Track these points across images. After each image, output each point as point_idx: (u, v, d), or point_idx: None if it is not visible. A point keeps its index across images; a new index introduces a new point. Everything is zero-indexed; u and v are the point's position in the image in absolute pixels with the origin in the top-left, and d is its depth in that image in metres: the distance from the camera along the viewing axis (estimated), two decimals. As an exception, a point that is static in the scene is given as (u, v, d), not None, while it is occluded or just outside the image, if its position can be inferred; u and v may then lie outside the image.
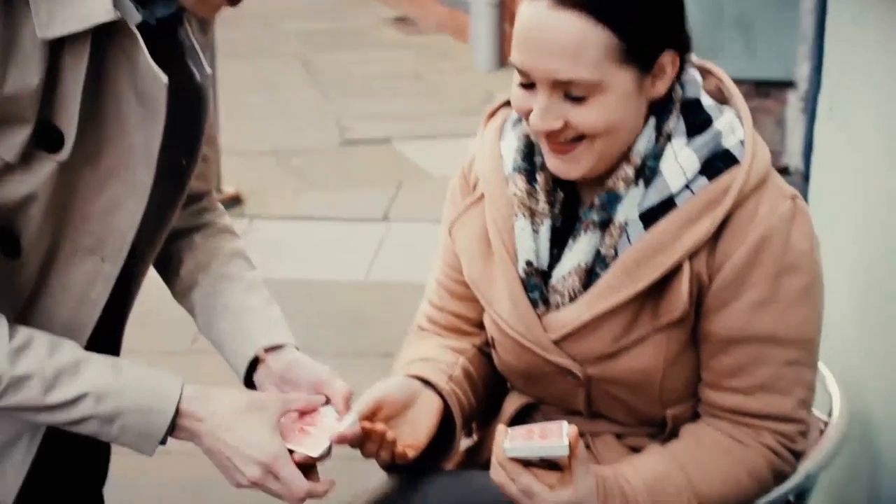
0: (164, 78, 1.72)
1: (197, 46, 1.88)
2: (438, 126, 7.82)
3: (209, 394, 1.78)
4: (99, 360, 1.74)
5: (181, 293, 2.07)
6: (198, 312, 2.05)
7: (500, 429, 1.86)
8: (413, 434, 2.01)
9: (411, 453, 1.98)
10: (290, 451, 1.81)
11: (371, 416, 1.96)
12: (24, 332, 1.70)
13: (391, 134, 7.71)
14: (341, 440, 1.87)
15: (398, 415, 2.01)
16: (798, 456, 2.00)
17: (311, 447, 1.81)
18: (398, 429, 1.98)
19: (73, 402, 1.71)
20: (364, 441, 1.94)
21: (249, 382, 2.00)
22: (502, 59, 9.48)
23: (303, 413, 1.86)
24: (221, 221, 2.13)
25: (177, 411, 1.75)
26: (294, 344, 1.99)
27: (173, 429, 1.76)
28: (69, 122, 1.65)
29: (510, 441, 1.83)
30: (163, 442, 1.76)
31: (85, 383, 1.71)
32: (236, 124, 7.38)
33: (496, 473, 1.84)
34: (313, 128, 7.96)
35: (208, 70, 1.90)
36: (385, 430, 1.94)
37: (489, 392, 2.19)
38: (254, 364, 1.98)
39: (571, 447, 1.80)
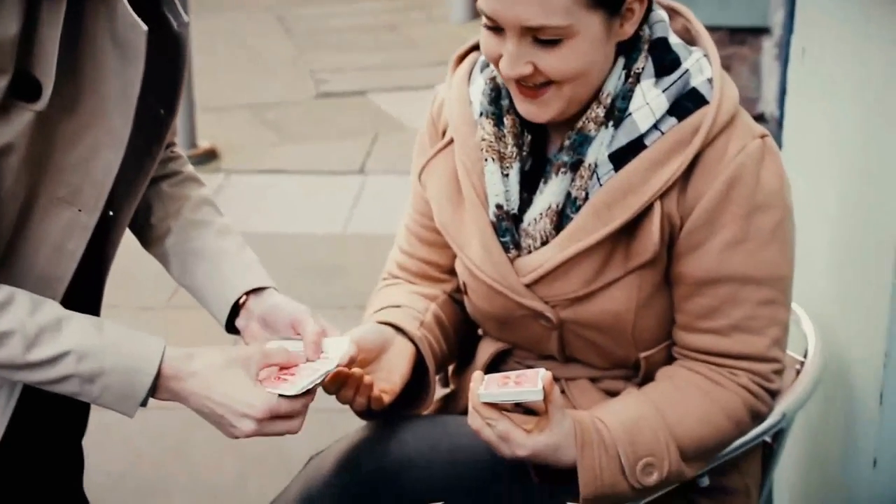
0: (144, 26, 1.71)
1: None
2: (413, 78, 7.80)
3: (191, 354, 1.77)
4: (81, 320, 1.73)
5: (152, 242, 2.07)
6: (171, 260, 2.04)
7: (476, 375, 1.87)
8: (387, 379, 2.01)
9: (387, 398, 1.99)
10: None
11: (343, 363, 1.96)
12: (5, 289, 1.70)
13: (366, 86, 7.69)
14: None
15: (372, 361, 2.02)
16: (774, 395, 2.01)
17: (287, 389, 1.81)
18: (372, 375, 1.98)
19: (54, 360, 1.69)
20: (341, 386, 1.94)
21: (231, 327, 1.99)
22: (476, 10, 9.41)
23: (283, 367, 1.85)
24: (186, 169, 2.13)
25: (159, 372, 1.74)
26: (274, 286, 2.00)
27: (155, 390, 1.75)
28: (47, 71, 1.64)
29: (484, 387, 1.84)
30: (143, 403, 1.75)
31: (67, 342, 1.70)
32: (211, 79, 7.36)
33: (472, 419, 1.85)
34: (288, 81, 7.93)
35: (186, 18, 1.88)
36: (362, 375, 1.94)
37: (461, 339, 2.20)
38: (235, 309, 1.98)
39: (545, 392, 1.80)
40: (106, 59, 1.72)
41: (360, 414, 2.03)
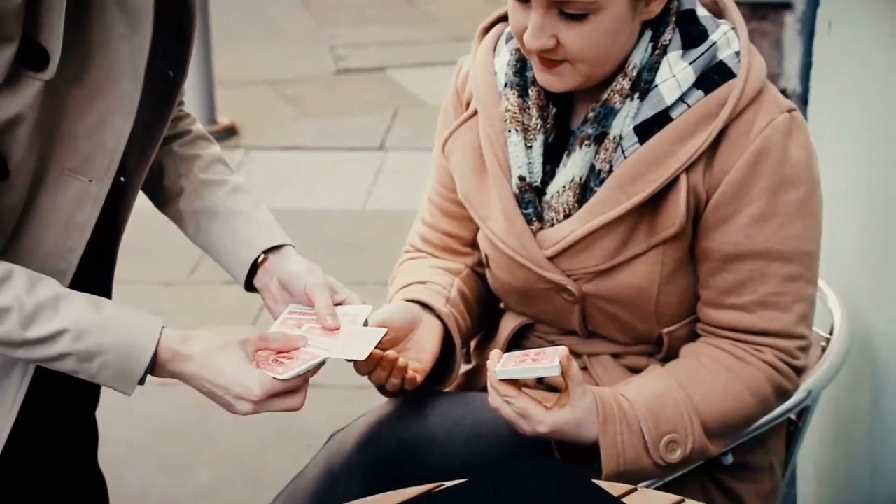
0: None
1: None
2: (433, 53, 7.78)
3: (188, 337, 1.76)
4: (79, 298, 1.72)
5: (165, 203, 2.06)
6: (185, 220, 2.04)
7: (493, 353, 1.86)
8: (417, 358, 2.00)
9: (420, 377, 1.98)
10: None
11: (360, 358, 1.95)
12: (3, 266, 1.68)
13: (386, 62, 7.67)
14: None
15: (401, 340, 2.01)
16: (800, 372, 2.00)
17: (280, 372, 1.80)
18: (403, 354, 1.97)
19: (51, 337, 1.68)
20: (374, 367, 1.93)
21: (249, 286, 1.99)
22: (497, -14, 9.37)
23: (280, 351, 1.84)
24: (196, 128, 2.12)
25: (157, 351, 1.73)
26: (291, 244, 1.99)
27: (152, 368, 1.74)
28: (54, 39, 1.63)
29: (501, 364, 1.83)
30: (141, 382, 1.74)
31: (64, 319, 1.69)
32: (230, 55, 7.35)
33: (492, 397, 1.84)
34: (308, 57, 7.91)
35: None
36: (397, 357, 1.94)
37: (483, 313, 2.19)
38: (254, 268, 1.97)
39: (563, 367, 1.79)
40: (113, 25, 1.70)
41: (384, 392, 2.02)
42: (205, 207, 2.02)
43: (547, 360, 1.80)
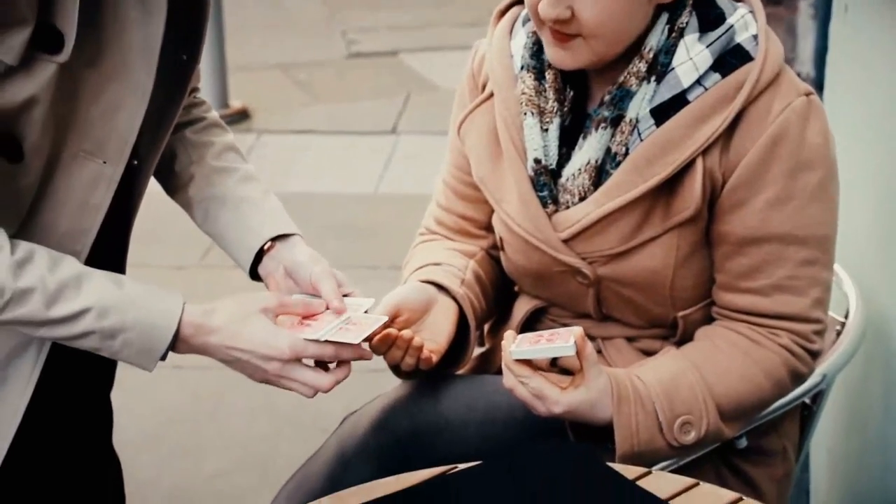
0: None
1: None
2: (446, 37, 7.78)
3: (211, 310, 1.78)
4: (101, 275, 1.73)
5: (176, 189, 2.06)
6: (195, 206, 2.04)
7: (508, 334, 1.86)
8: (433, 339, 2.00)
9: (435, 358, 1.98)
10: None
11: (389, 322, 1.95)
12: (24, 245, 1.69)
13: (398, 46, 7.67)
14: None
15: (416, 321, 2.01)
16: (815, 356, 1.99)
17: (309, 333, 1.80)
18: (418, 335, 1.97)
19: (75, 316, 1.69)
20: (389, 347, 1.93)
21: (254, 274, 1.99)
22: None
23: (304, 316, 1.85)
24: (210, 115, 2.12)
25: (179, 327, 1.74)
26: (298, 233, 1.99)
27: (174, 344, 1.75)
28: (69, 22, 1.63)
29: (516, 345, 1.82)
30: (163, 358, 1.75)
31: (87, 297, 1.70)
32: (242, 39, 7.35)
33: (506, 378, 1.85)
34: (319, 41, 7.92)
35: None
36: (412, 336, 1.93)
37: (497, 295, 2.19)
38: (259, 256, 1.98)
39: (578, 347, 1.79)
40: (128, 9, 1.70)
41: (399, 373, 2.02)
42: (214, 195, 2.02)
43: (562, 341, 1.80)
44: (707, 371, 1.92)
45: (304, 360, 1.79)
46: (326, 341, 1.77)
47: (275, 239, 1.98)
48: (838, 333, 2.23)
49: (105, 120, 1.73)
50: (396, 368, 2.00)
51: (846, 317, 2.25)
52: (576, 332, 1.81)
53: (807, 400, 2.18)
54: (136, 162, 1.86)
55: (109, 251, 1.89)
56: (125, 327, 1.70)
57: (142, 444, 3.55)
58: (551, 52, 1.92)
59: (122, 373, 2.11)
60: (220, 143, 2.08)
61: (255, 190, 2.04)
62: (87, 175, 1.75)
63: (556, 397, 1.83)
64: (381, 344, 1.92)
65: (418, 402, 2.01)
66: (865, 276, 2.43)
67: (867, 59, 2.64)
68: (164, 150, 1.96)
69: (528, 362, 1.84)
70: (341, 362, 1.81)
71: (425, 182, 4.22)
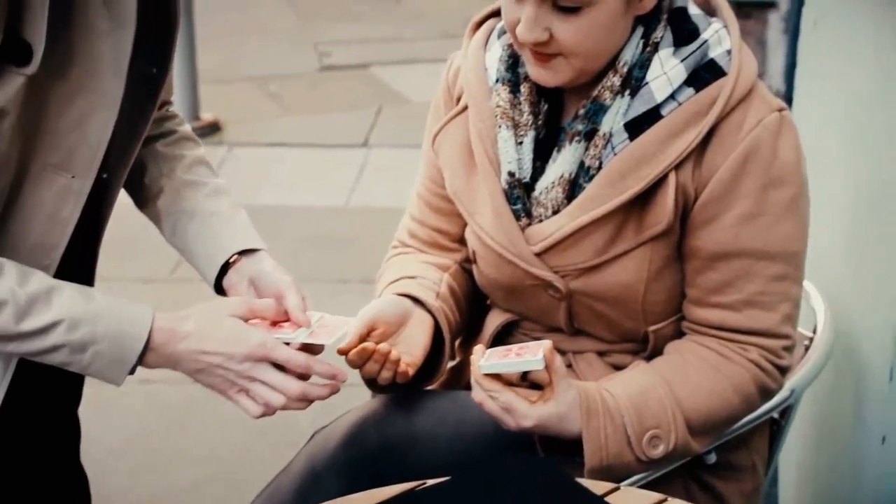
0: None
1: None
2: (418, 50, 7.77)
3: (182, 314, 1.77)
4: (70, 288, 1.72)
5: (145, 202, 2.06)
6: (163, 219, 2.03)
7: (477, 349, 1.86)
8: (408, 352, 2.00)
9: (412, 371, 1.97)
10: None
11: (365, 335, 1.95)
12: None
13: (370, 59, 7.66)
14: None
15: (392, 334, 2.00)
16: (784, 371, 1.99)
17: (282, 335, 1.80)
18: (394, 348, 1.97)
19: (46, 329, 1.68)
20: (366, 360, 1.93)
21: (219, 288, 1.99)
22: (482, -17, 9.38)
23: (273, 322, 1.85)
24: (182, 129, 2.12)
25: (150, 336, 1.73)
26: (265, 248, 1.99)
27: (144, 354, 1.74)
28: (37, 34, 1.62)
29: (485, 359, 1.83)
30: (131, 372, 1.74)
31: (58, 310, 1.69)
32: (213, 51, 7.33)
33: (475, 392, 1.85)
34: (291, 53, 7.90)
35: None
36: (389, 350, 1.93)
37: (471, 309, 2.19)
38: (224, 270, 1.98)
39: (547, 361, 1.79)
40: (96, 20, 1.70)
41: (374, 387, 2.02)
42: (183, 208, 2.02)
43: (530, 355, 1.80)
44: (676, 385, 1.93)
45: None
46: (301, 345, 1.79)
47: (241, 253, 1.98)
48: (807, 348, 2.24)
49: (74, 131, 1.72)
50: (372, 382, 1.99)
51: (815, 332, 2.26)
52: (545, 345, 1.81)
53: (775, 415, 2.18)
54: (105, 175, 1.85)
55: (78, 264, 1.88)
56: (95, 339, 1.69)
57: (110, 458, 3.53)
58: (533, 71, 1.93)
59: (90, 387, 2.10)
60: (190, 157, 2.08)
61: (224, 204, 2.03)
62: (56, 189, 1.74)
63: (525, 411, 1.83)
64: (358, 357, 1.92)
65: (389, 417, 2.01)
66: (834, 291, 2.44)
67: (836, 74, 2.65)
68: (134, 163, 1.95)
69: (497, 377, 1.84)
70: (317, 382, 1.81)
71: (397, 195, 4.23)
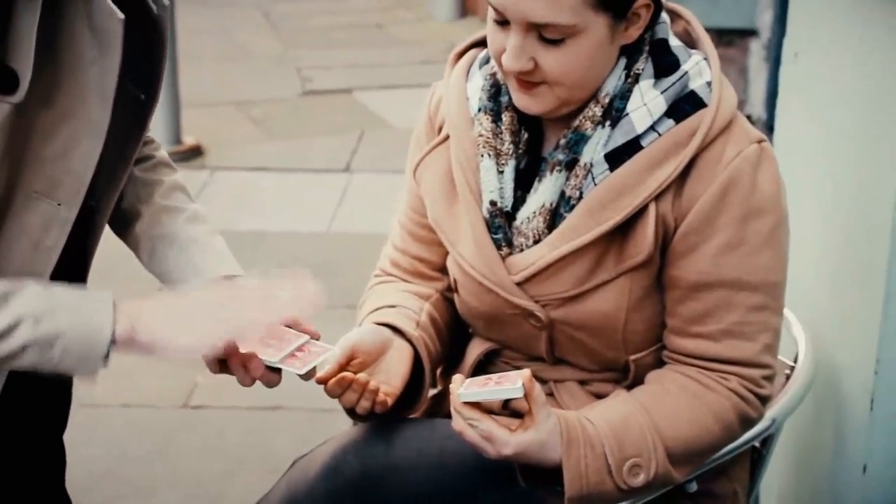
0: (121, 14, 1.68)
1: None
2: (400, 76, 7.80)
3: (141, 300, 1.74)
4: (29, 285, 1.69)
5: (123, 226, 2.05)
6: (141, 245, 2.03)
7: (456, 378, 1.86)
8: (388, 382, 2.00)
9: (390, 401, 1.97)
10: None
11: (345, 364, 1.95)
12: None
13: (352, 84, 7.68)
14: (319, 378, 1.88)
15: (371, 363, 2.00)
16: (764, 401, 2.00)
17: (270, 355, 1.80)
18: (373, 378, 1.97)
19: (10, 329, 1.64)
20: (345, 390, 1.93)
21: None
22: (463, 9, 9.46)
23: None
24: (159, 154, 2.12)
25: (115, 313, 1.69)
26: (244, 275, 1.99)
27: (113, 339, 1.69)
28: (24, 62, 1.62)
29: (465, 388, 1.83)
30: (104, 362, 1.69)
31: (19, 307, 1.65)
32: (197, 75, 7.34)
33: (455, 421, 1.84)
34: (274, 78, 7.92)
35: (165, 2, 1.86)
36: (368, 381, 1.93)
37: (452, 338, 2.19)
38: None
39: (526, 389, 1.79)
40: (83, 48, 1.70)
41: (353, 416, 2.02)
42: (162, 234, 2.01)
43: (510, 383, 1.80)
44: (656, 414, 1.93)
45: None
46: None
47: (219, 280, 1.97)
48: (788, 378, 2.24)
49: (60, 159, 1.71)
50: (351, 411, 1.99)
51: (796, 361, 2.27)
52: (524, 374, 1.81)
53: (757, 444, 2.18)
54: (92, 202, 1.84)
55: None
56: (60, 331, 1.66)
57: (92, 483, 3.51)
58: (518, 99, 1.94)
59: (73, 411, 2.10)
60: (168, 182, 2.07)
61: (203, 230, 2.03)
62: (41, 216, 1.73)
63: (505, 438, 1.83)
64: (337, 387, 1.92)
65: (369, 446, 2.00)
66: (815, 320, 2.44)
67: (816, 105, 2.66)
68: None
69: (477, 405, 1.84)
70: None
71: (378, 221, 4.23)
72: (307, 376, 1.84)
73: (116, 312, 1.69)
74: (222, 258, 2.00)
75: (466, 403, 1.83)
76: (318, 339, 1.90)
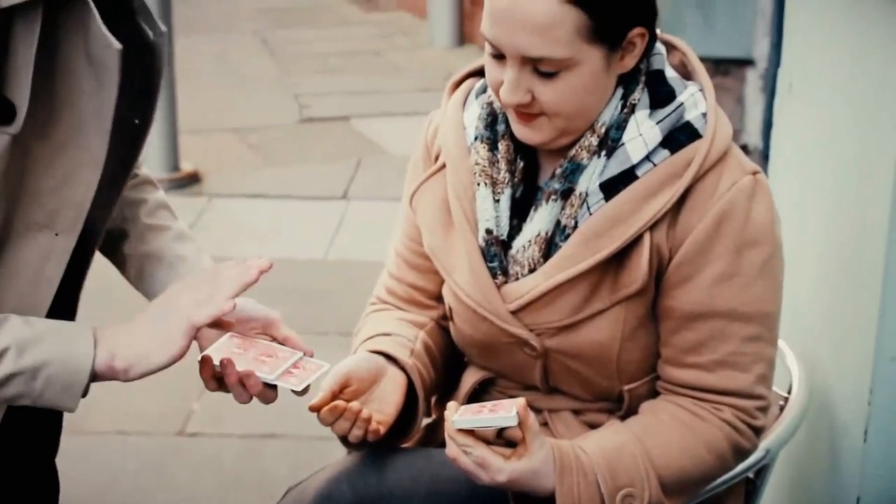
0: (118, 45, 1.68)
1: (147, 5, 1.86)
2: (397, 104, 7.81)
3: (114, 327, 1.74)
4: (10, 317, 1.69)
5: (108, 246, 2.05)
6: (128, 264, 2.03)
7: (450, 405, 1.86)
8: (381, 410, 2.00)
9: (383, 429, 1.97)
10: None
11: (338, 392, 1.95)
12: None
13: (350, 111, 7.69)
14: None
15: (365, 391, 2.00)
16: (758, 432, 2.00)
17: (266, 372, 1.81)
18: (366, 405, 1.97)
19: None
20: (337, 418, 1.93)
21: None
22: (461, 37, 9.49)
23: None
24: (142, 172, 2.12)
25: (95, 339, 1.69)
26: None
27: (94, 365, 1.68)
28: (21, 93, 1.61)
29: (459, 415, 1.83)
30: (84, 393, 1.69)
31: (3, 337, 1.65)
32: (194, 102, 7.35)
33: (449, 447, 1.84)
34: (272, 105, 7.93)
35: (162, 28, 1.86)
36: (360, 409, 1.93)
37: (447, 366, 2.19)
38: None
39: (520, 417, 1.80)
40: (80, 79, 1.69)
41: (346, 444, 2.02)
42: (149, 252, 2.01)
43: (504, 411, 1.81)
44: (649, 444, 1.93)
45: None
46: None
47: None
48: (782, 408, 2.24)
49: (58, 190, 1.71)
50: (344, 439, 1.99)
51: (790, 392, 2.27)
52: (518, 402, 1.81)
53: (751, 474, 2.19)
54: (87, 231, 1.84)
55: (58, 318, 1.88)
56: (45, 362, 1.65)
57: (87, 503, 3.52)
58: (518, 130, 1.95)
59: (69, 437, 2.10)
60: (152, 201, 2.08)
61: (190, 249, 2.03)
62: (40, 247, 1.73)
63: (499, 466, 1.83)
64: (329, 415, 1.92)
65: (363, 474, 2.00)
66: (809, 351, 2.45)
67: (810, 135, 2.68)
68: None
69: (471, 433, 1.84)
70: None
71: (375, 248, 4.24)
72: (303, 392, 1.84)
73: (96, 341, 1.70)
74: None
75: (461, 430, 1.83)
76: (311, 357, 1.89)
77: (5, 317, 1.68)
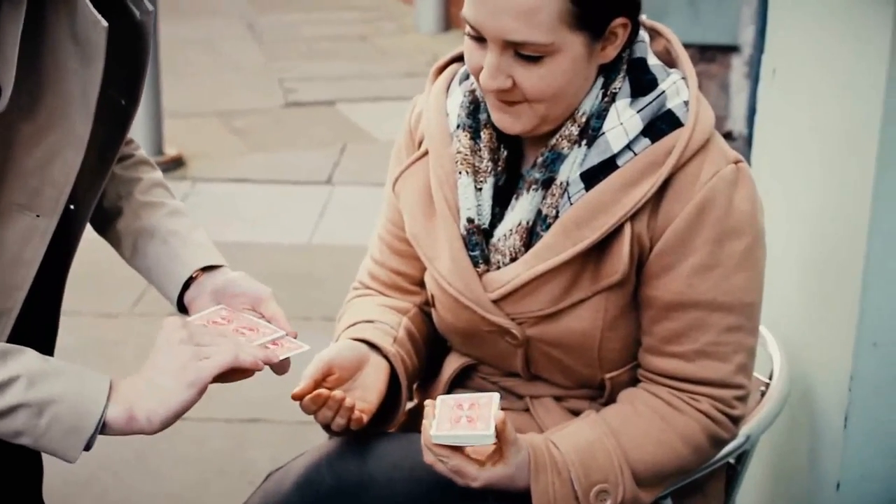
0: (104, 23, 1.67)
1: None
2: (383, 88, 7.81)
3: (131, 380, 1.69)
4: (27, 350, 1.65)
5: (104, 224, 2.05)
6: (122, 241, 2.03)
7: (427, 409, 1.85)
8: (364, 398, 2.00)
9: (366, 417, 1.97)
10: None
11: (321, 380, 1.95)
12: None
13: (335, 96, 7.69)
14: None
15: (348, 379, 2.00)
16: (736, 421, 2.00)
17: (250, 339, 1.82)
18: (349, 393, 1.97)
19: (3, 385, 1.59)
20: (320, 407, 1.93)
21: (181, 306, 1.98)
22: (447, 22, 9.49)
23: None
24: (138, 153, 2.12)
25: (110, 390, 1.64)
26: (226, 265, 1.99)
27: (103, 424, 1.64)
28: (6, 72, 1.60)
29: (437, 422, 1.81)
30: (88, 446, 1.64)
31: (16, 366, 1.61)
32: (179, 86, 7.34)
33: (426, 454, 1.84)
34: (257, 90, 7.92)
35: (149, 7, 1.85)
36: (343, 397, 1.93)
37: (430, 352, 2.19)
38: (186, 286, 1.97)
39: (498, 432, 1.79)
40: (66, 58, 1.69)
41: (331, 431, 2.01)
42: (143, 227, 2.02)
43: (482, 423, 1.79)
44: (624, 437, 1.93)
45: None
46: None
47: (203, 270, 1.98)
48: (763, 394, 2.25)
49: (40, 171, 1.70)
50: (327, 427, 1.99)
51: (771, 378, 2.28)
52: (497, 415, 1.79)
53: (731, 460, 2.19)
54: (72, 206, 1.84)
55: (43, 302, 1.87)
56: (54, 398, 1.60)
57: (67, 494, 3.50)
58: (497, 117, 1.93)
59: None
60: (148, 180, 2.08)
61: (184, 224, 2.03)
62: (20, 229, 1.72)
63: (475, 474, 1.84)
64: (312, 403, 1.92)
65: (344, 460, 2.01)
66: (790, 337, 2.46)
67: (793, 122, 2.68)
68: None
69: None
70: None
71: (360, 233, 4.24)
72: (281, 371, 1.83)
73: (112, 393, 1.65)
74: (205, 249, 2.00)
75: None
76: (294, 338, 1.89)
77: (22, 349, 1.65)
